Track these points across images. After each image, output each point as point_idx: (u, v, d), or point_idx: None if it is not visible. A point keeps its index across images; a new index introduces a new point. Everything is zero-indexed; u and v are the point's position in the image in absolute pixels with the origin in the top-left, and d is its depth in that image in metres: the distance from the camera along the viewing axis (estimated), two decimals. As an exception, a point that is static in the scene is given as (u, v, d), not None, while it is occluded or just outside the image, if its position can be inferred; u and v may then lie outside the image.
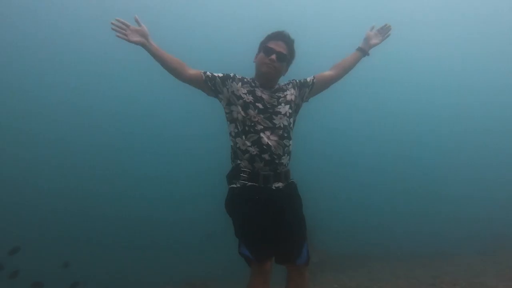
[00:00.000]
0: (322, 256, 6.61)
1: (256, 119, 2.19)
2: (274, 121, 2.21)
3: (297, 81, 2.46)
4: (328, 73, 2.54)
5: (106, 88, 14.18)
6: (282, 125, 2.22)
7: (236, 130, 2.22)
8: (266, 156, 2.15)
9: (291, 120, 2.32)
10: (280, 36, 2.29)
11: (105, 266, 7.18)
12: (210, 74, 2.29)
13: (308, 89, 2.46)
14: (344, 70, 2.57)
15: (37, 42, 13.61)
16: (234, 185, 2.18)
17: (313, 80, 2.48)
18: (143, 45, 2.20)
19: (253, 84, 2.31)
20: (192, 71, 2.28)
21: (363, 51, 2.61)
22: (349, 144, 14.80)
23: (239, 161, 2.19)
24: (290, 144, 2.27)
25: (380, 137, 15.10)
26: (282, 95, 2.32)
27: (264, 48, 2.26)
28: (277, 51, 2.23)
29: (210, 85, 2.28)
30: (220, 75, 2.30)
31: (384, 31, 2.66)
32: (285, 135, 2.23)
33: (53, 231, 9.22)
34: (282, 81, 2.43)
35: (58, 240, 8.63)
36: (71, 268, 5.41)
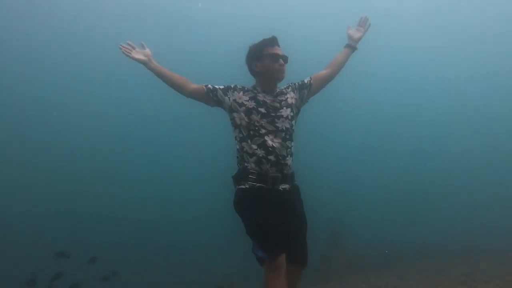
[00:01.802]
0: (350, 257, 6.58)
1: (260, 124, 2.30)
2: (277, 124, 2.33)
3: (296, 84, 2.57)
4: (323, 72, 2.66)
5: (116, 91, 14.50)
6: (284, 128, 2.35)
7: (241, 135, 2.34)
8: (272, 158, 2.27)
9: (293, 122, 2.45)
10: (275, 41, 2.42)
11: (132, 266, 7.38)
12: (211, 86, 2.42)
13: (307, 90, 2.57)
14: (337, 68, 2.70)
15: (38, 43, 13.95)
16: (243, 186, 2.28)
17: (310, 81, 2.59)
18: (144, 63, 2.44)
19: (255, 91, 2.42)
20: (194, 85, 2.43)
21: (351, 47, 2.74)
22: (370, 144, 14.63)
23: (246, 164, 2.30)
24: (292, 146, 2.40)
25: (401, 134, 14.84)
26: (283, 99, 2.44)
27: (270, 55, 2.37)
28: (281, 55, 2.38)
29: (212, 96, 2.41)
30: (222, 87, 2.43)
31: (363, 23, 2.78)
32: (287, 137, 2.36)
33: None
34: (281, 84, 2.53)
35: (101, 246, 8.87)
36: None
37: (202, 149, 13.56)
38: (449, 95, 16.04)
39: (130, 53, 2.44)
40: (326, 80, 2.65)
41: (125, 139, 14.13)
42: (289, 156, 2.35)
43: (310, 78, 2.60)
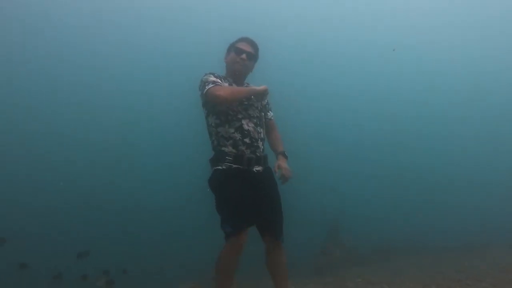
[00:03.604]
0: (346, 250, 6.67)
1: (238, 109, 2.56)
2: (249, 112, 2.61)
3: (265, 100, 2.84)
4: (271, 129, 2.89)
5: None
6: (255, 115, 2.64)
7: (218, 121, 2.56)
8: (247, 140, 2.53)
9: (262, 114, 2.75)
10: (247, 39, 2.70)
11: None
12: (219, 83, 2.56)
13: (264, 115, 2.83)
14: (270, 141, 2.87)
15: (40, 39, 13.92)
16: (220, 167, 2.48)
17: (270, 117, 2.90)
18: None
19: (229, 80, 2.70)
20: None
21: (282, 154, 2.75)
22: (367, 140, 14.68)
23: (223, 148, 2.52)
24: (262, 132, 2.68)
25: (398, 130, 14.88)
26: None
27: (235, 48, 2.65)
28: (247, 51, 2.64)
29: None
30: (219, 80, 2.59)
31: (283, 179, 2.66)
32: (258, 123, 2.66)
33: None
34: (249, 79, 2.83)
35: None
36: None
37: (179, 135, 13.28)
38: (450, 91, 16.04)
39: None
40: (265, 130, 2.82)
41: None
42: (260, 140, 2.62)
43: (271, 118, 2.90)
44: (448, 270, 4.99)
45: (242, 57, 2.62)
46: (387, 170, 13.05)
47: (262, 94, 2.66)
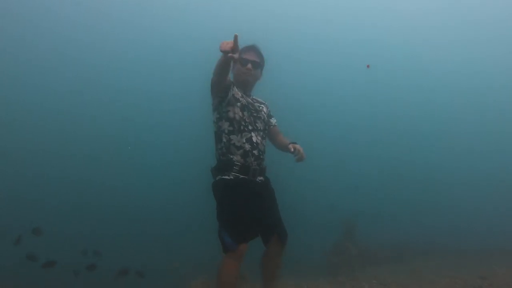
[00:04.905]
0: (362, 249, 6.51)
1: (248, 120, 2.60)
2: (257, 124, 2.66)
3: (268, 109, 2.95)
4: (276, 134, 2.93)
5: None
6: (261, 128, 2.70)
7: (231, 128, 2.54)
8: (255, 152, 2.56)
9: (266, 127, 2.81)
10: (252, 48, 2.71)
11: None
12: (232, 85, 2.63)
13: (267, 123, 2.88)
14: (277, 143, 2.92)
15: (39, 37, 14.02)
16: (227, 177, 2.47)
17: (274, 124, 2.95)
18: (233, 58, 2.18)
19: (240, 90, 2.70)
20: (228, 81, 2.59)
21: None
22: (385, 138, 14.46)
23: (231, 156, 2.50)
24: (265, 144, 2.77)
25: (418, 129, 14.60)
26: (260, 105, 2.82)
27: (240, 59, 2.63)
28: (251, 60, 2.66)
29: (230, 89, 2.59)
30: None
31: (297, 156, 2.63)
32: (264, 136, 2.73)
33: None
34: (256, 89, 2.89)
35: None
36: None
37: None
38: (458, 90, 15.71)
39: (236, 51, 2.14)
40: (270, 137, 2.92)
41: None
42: (264, 153, 2.71)
43: (275, 124, 2.94)
44: (470, 276, 4.77)
45: (248, 67, 2.63)
46: (406, 168, 12.77)
47: (223, 50, 2.12)
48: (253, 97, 2.87)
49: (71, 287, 5.13)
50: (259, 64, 2.71)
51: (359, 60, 14.47)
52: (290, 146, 2.59)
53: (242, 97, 2.65)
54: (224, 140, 2.55)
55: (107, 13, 14.58)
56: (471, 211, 9.93)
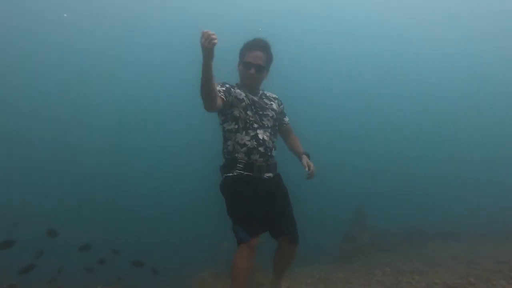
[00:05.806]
0: (374, 236, 6.42)
1: (253, 119, 2.58)
2: (264, 122, 2.63)
3: (282, 105, 2.90)
4: (288, 133, 2.93)
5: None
6: (269, 125, 2.67)
7: (236, 127, 2.56)
8: (261, 149, 2.55)
9: (276, 123, 2.79)
10: (257, 45, 2.57)
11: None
12: (223, 96, 2.47)
13: (279, 122, 2.86)
14: (290, 144, 2.91)
15: (39, 40, 14.01)
16: (231, 174, 2.52)
17: (287, 122, 2.92)
18: (211, 54, 2.04)
19: (245, 89, 2.66)
20: (219, 100, 2.38)
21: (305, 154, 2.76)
22: (401, 124, 14.29)
23: (236, 154, 2.54)
24: (275, 141, 2.75)
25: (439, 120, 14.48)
26: (269, 103, 2.76)
27: (243, 63, 2.58)
28: (255, 64, 2.55)
29: (226, 102, 2.51)
30: (224, 88, 2.51)
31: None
32: (272, 133, 2.70)
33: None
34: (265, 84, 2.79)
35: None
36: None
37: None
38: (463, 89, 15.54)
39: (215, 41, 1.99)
40: (282, 134, 2.92)
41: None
42: (274, 149, 2.68)
43: (287, 123, 2.92)
44: (487, 260, 4.65)
45: (250, 72, 2.56)
46: (420, 151, 12.61)
47: (204, 49, 2.02)
48: (264, 92, 2.82)
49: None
50: (263, 68, 2.62)
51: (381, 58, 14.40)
52: (305, 162, 2.63)
53: (246, 96, 2.62)
54: (230, 139, 2.59)
55: (110, 15, 14.47)
56: (483, 196, 9.73)
